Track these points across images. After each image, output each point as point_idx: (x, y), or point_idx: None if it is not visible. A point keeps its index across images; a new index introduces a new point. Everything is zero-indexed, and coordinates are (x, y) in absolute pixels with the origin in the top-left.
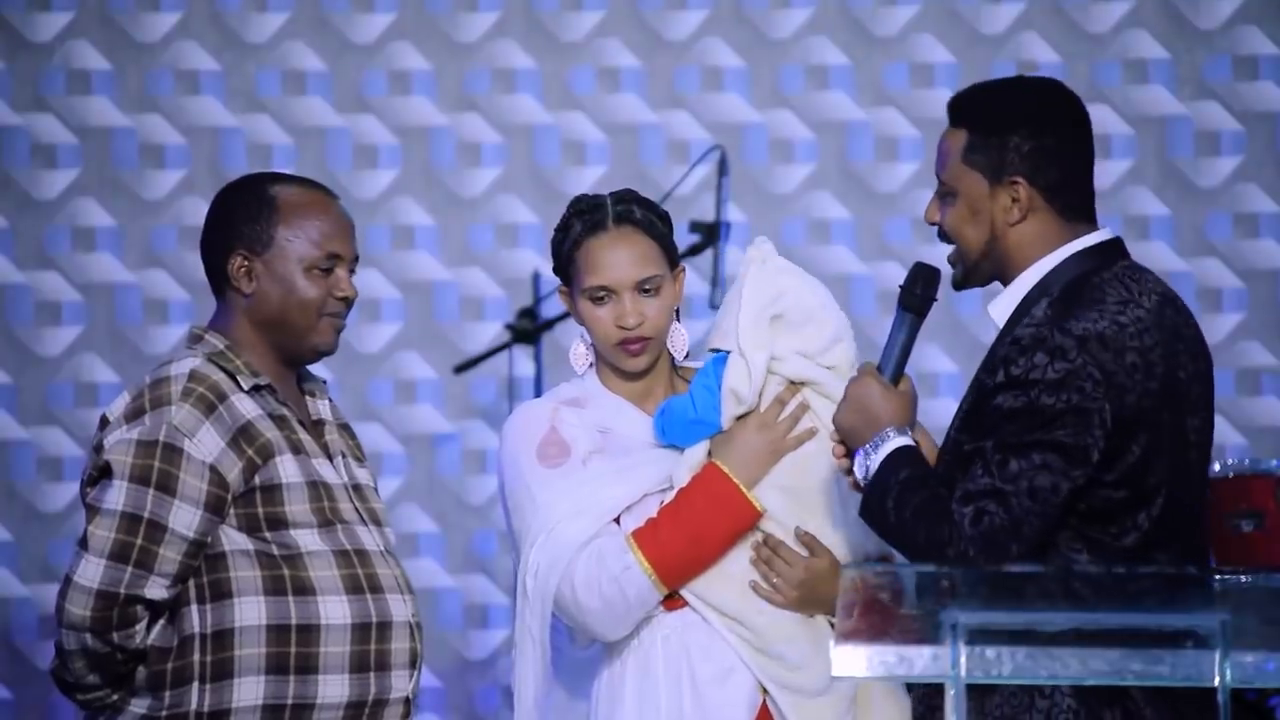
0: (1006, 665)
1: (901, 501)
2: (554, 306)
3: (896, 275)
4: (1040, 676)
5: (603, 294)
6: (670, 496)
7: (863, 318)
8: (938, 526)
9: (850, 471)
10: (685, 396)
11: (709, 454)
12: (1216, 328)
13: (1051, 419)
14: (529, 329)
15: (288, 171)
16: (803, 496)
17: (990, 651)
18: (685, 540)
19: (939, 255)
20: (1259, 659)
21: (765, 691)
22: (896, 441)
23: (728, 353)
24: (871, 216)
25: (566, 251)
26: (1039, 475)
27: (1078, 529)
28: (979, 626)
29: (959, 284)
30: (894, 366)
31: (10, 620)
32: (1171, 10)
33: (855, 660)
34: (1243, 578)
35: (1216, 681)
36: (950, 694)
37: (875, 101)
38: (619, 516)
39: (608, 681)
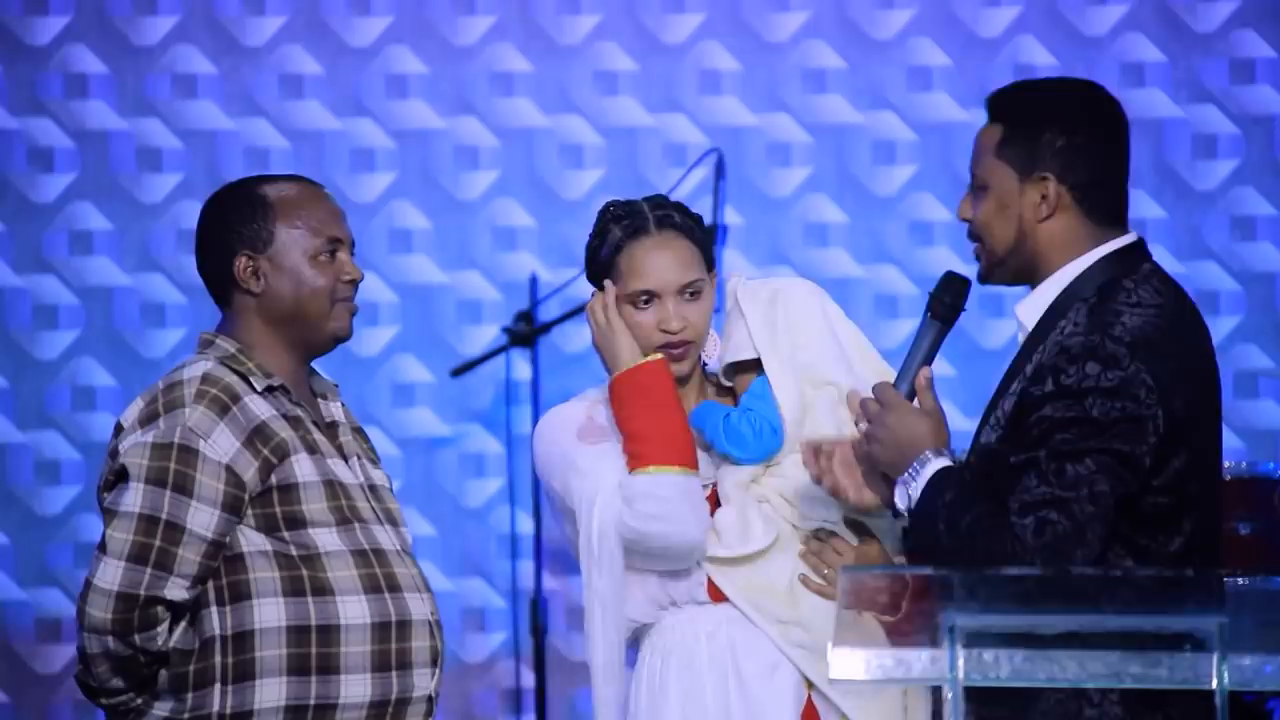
0: (1004, 668)
1: (952, 522)
2: (551, 310)
3: (894, 279)
4: (1038, 679)
5: (647, 298)
6: (709, 491)
7: (860, 322)
8: (996, 541)
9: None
10: (744, 418)
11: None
12: (1214, 330)
13: (1106, 427)
14: (526, 332)
15: (289, 173)
16: (847, 506)
17: (988, 654)
18: (651, 426)
19: (936, 258)
20: (1257, 661)
21: (810, 686)
22: (935, 464)
23: (760, 365)
24: (869, 220)
25: (605, 257)
26: (1098, 481)
27: (1126, 536)
28: (977, 629)
29: (983, 278)
30: (915, 376)
31: (7, 624)
32: (1168, 14)
33: (853, 663)
34: (1240, 580)
35: (1214, 684)
36: (948, 697)
37: (872, 105)
38: None
39: (648, 679)
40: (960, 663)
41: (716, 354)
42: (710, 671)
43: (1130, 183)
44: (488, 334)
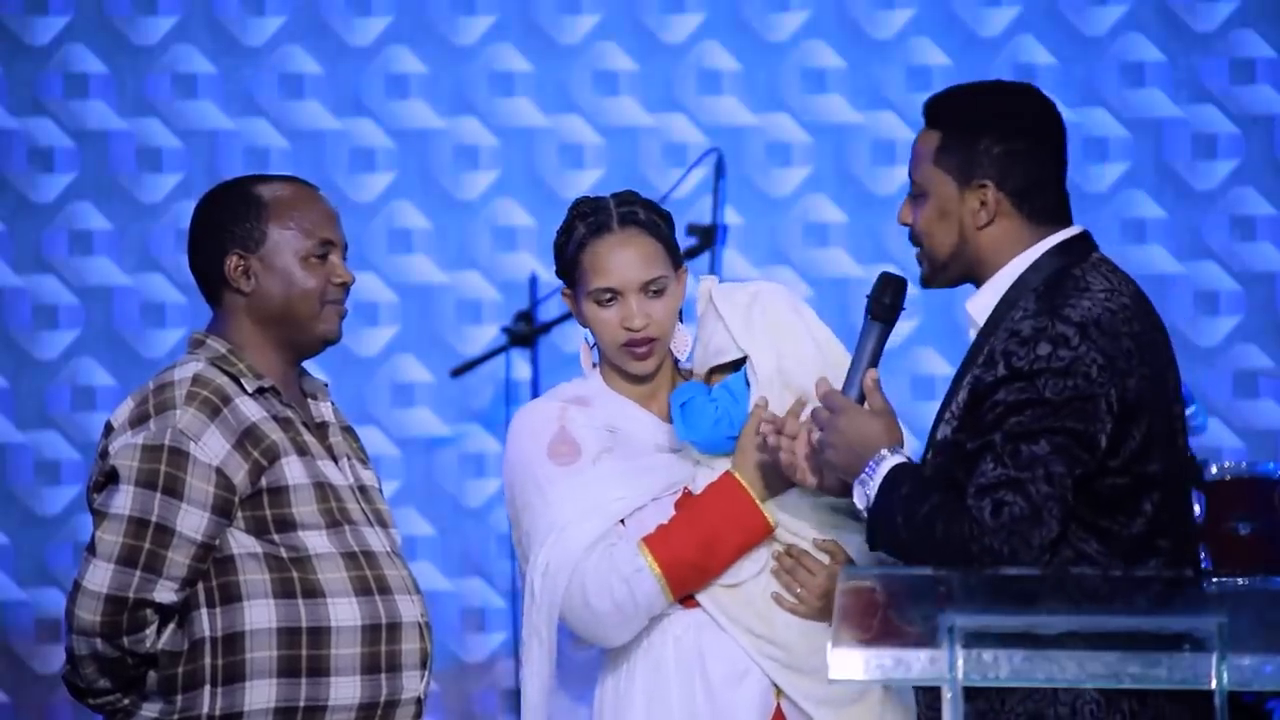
0: (1004, 668)
1: (910, 514)
2: (551, 310)
3: None
4: (1037, 679)
5: (609, 296)
6: (679, 494)
7: (859, 321)
8: (955, 526)
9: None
10: (710, 405)
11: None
12: (1214, 330)
13: (1059, 407)
14: (526, 332)
15: (285, 174)
16: (822, 514)
17: (987, 654)
18: (696, 548)
19: None
20: (1256, 662)
21: (779, 693)
22: (891, 461)
23: (744, 359)
24: (868, 220)
25: (571, 254)
26: (1053, 461)
27: (1086, 519)
28: (976, 629)
29: (925, 282)
30: (862, 378)
31: (7, 624)
32: (1168, 13)
33: (852, 663)
34: (1240, 580)
35: (1214, 684)
36: (947, 697)
37: (872, 105)
38: (625, 519)
39: (613, 683)
40: (960, 663)
41: (688, 350)
42: (677, 675)
43: (1130, 183)
44: (487, 334)
